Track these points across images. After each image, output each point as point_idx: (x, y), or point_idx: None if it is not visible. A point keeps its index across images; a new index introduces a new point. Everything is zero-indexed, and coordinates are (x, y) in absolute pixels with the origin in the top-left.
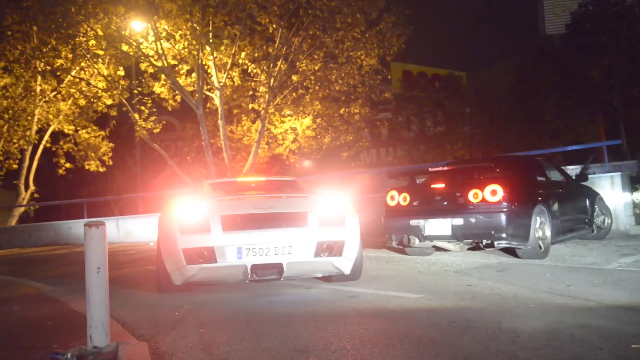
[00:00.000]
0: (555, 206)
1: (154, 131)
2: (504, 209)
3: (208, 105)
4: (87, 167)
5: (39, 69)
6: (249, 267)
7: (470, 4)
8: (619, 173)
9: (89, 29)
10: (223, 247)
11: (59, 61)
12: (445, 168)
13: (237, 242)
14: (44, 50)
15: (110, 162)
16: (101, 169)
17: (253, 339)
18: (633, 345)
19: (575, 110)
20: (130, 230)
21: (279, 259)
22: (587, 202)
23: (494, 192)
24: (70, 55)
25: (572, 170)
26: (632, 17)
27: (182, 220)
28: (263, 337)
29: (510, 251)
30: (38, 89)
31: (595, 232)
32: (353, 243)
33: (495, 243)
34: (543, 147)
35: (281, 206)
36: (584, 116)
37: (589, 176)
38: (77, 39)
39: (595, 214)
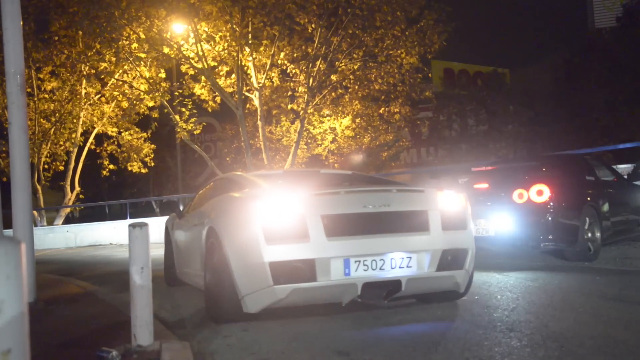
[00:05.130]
0: (606, 207)
1: (195, 132)
2: (551, 210)
3: (247, 106)
4: (129, 168)
5: (84, 73)
6: (360, 286)
7: None
8: None
9: (131, 33)
10: (327, 259)
11: (103, 65)
12: (489, 168)
13: (345, 252)
14: (89, 54)
15: (152, 164)
16: (143, 170)
17: (293, 340)
18: None
19: (626, 107)
20: None
21: (397, 274)
22: None
23: (540, 192)
24: (113, 59)
25: (624, 169)
26: None
27: (268, 223)
28: (304, 339)
29: (557, 253)
30: (83, 92)
31: None
32: (474, 252)
33: (542, 245)
34: (592, 145)
35: (396, 203)
36: (637, 113)
37: None
38: (120, 43)
39: None
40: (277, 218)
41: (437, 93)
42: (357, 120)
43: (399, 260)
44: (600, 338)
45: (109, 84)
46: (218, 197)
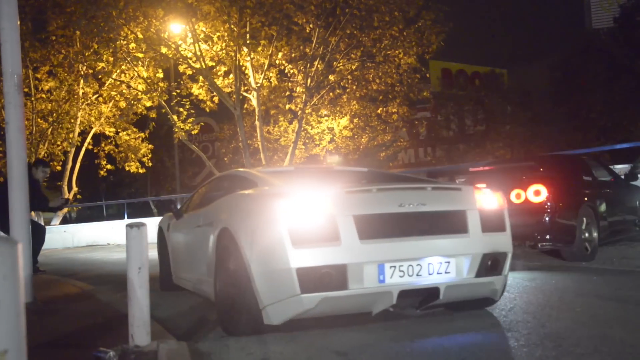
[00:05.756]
0: (603, 207)
1: (192, 132)
2: (548, 210)
3: (245, 106)
4: (127, 168)
5: (82, 73)
6: (396, 294)
7: None
8: None
9: (129, 33)
10: (359, 264)
11: (101, 64)
12: (486, 168)
13: (379, 256)
14: (87, 54)
15: (150, 164)
16: (141, 171)
17: (291, 341)
18: None
19: (624, 107)
20: None
21: (435, 280)
22: (637, 202)
23: (537, 193)
24: (111, 59)
25: (621, 169)
26: None
27: (295, 224)
28: (301, 339)
29: (554, 253)
30: (81, 92)
31: None
32: (511, 255)
33: (539, 245)
34: (589, 146)
35: (433, 202)
36: (634, 113)
37: (639, 175)
38: (117, 43)
39: None
40: (304, 218)
41: (434, 93)
42: (355, 120)
43: (437, 266)
44: (597, 338)
45: (106, 84)
46: (230, 195)
